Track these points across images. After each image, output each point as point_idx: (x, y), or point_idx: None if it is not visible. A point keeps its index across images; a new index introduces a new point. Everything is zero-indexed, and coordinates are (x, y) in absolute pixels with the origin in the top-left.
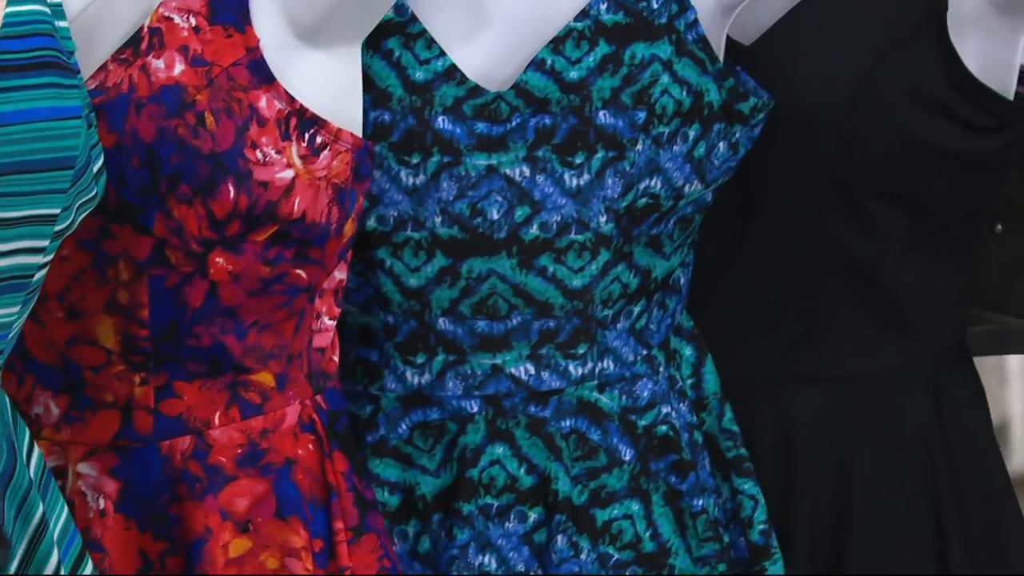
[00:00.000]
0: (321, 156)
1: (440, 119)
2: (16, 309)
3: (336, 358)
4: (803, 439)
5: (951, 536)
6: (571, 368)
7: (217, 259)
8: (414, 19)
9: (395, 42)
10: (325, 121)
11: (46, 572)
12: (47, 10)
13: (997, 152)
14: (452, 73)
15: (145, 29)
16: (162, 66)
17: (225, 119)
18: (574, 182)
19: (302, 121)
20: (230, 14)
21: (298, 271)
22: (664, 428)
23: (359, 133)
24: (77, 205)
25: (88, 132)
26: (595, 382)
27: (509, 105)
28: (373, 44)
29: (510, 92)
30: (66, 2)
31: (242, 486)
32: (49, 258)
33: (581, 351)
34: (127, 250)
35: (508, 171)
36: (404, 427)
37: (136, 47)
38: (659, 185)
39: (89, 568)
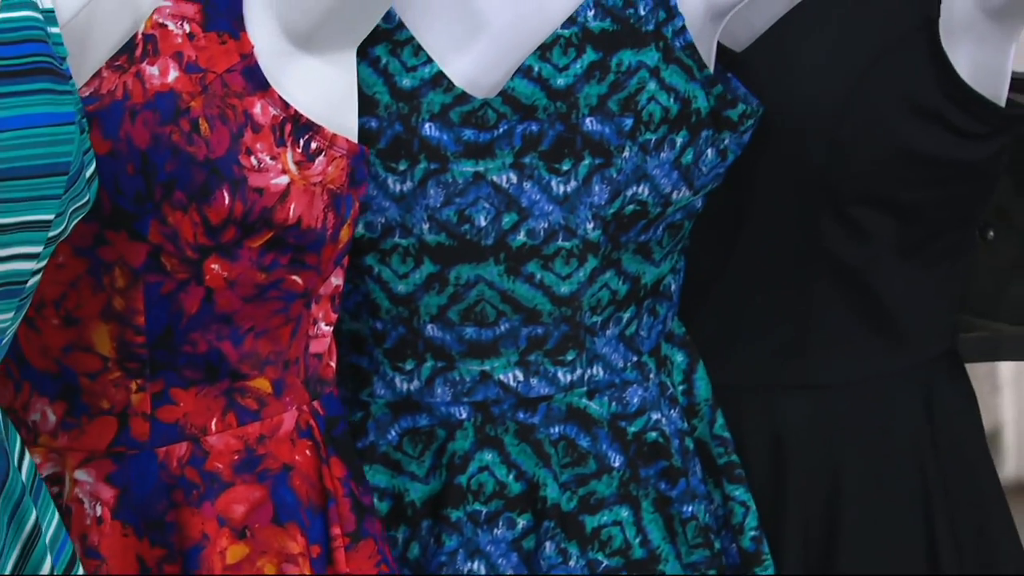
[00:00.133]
0: (316, 162)
1: (427, 126)
2: (10, 315)
3: (333, 364)
4: (794, 445)
5: (942, 542)
6: (560, 375)
7: (212, 265)
8: (401, 26)
9: (382, 49)
10: (320, 127)
11: None
12: (39, 16)
13: (988, 159)
14: (439, 80)
15: (139, 36)
16: (156, 73)
17: (219, 125)
18: (561, 189)
19: (297, 127)
20: (224, 20)
21: (294, 277)
22: (654, 435)
23: (354, 139)
24: (70, 211)
25: (81, 138)
26: (584, 389)
27: (496, 112)
28: (360, 51)
29: (497, 99)
30: (56, 8)
31: (239, 492)
32: (42, 264)
33: (570, 358)
34: (122, 257)
35: (495, 178)
36: (393, 433)
37: (130, 54)
38: (646, 192)
39: (80, 573)
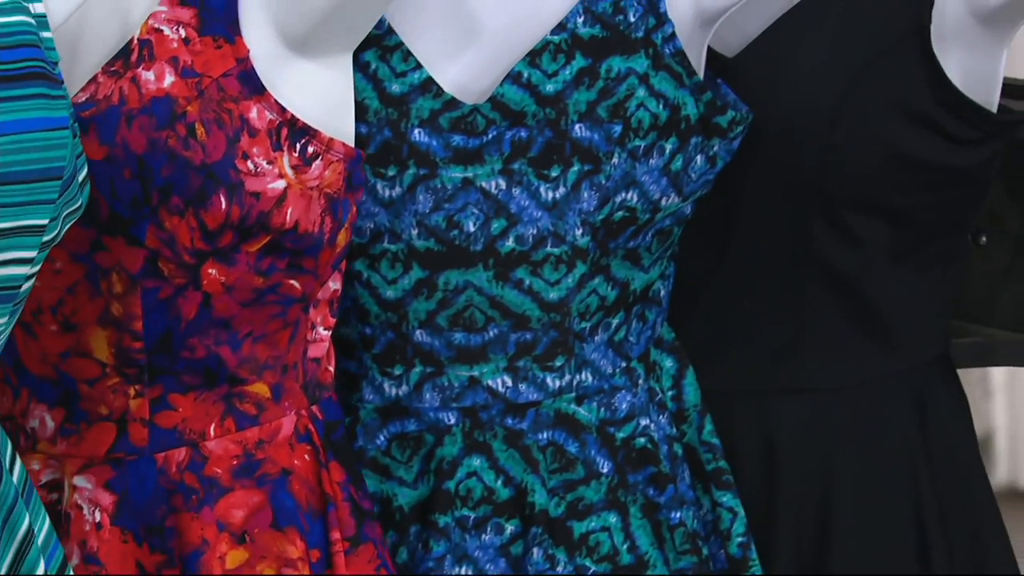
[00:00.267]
0: (313, 166)
1: (416, 132)
2: (4, 320)
3: (332, 368)
4: (786, 450)
5: (934, 546)
6: (548, 380)
7: (210, 270)
8: (391, 31)
9: (371, 54)
10: (317, 131)
11: None
12: (32, 21)
13: (980, 165)
14: (428, 86)
15: (135, 41)
16: (152, 78)
17: (216, 130)
18: (550, 195)
19: (293, 131)
20: (220, 25)
21: (291, 281)
22: (642, 440)
23: (351, 143)
24: (63, 216)
25: (74, 142)
26: (573, 394)
27: (485, 118)
28: None
29: (486, 105)
30: (48, 13)
31: (238, 497)
32: (36, 269)
33: (558, 363)
34: (120, 262)
35: (484, 184)
36: (382, 438)
37: (126, 59)
38: (635, 198)
39: (70, 574)
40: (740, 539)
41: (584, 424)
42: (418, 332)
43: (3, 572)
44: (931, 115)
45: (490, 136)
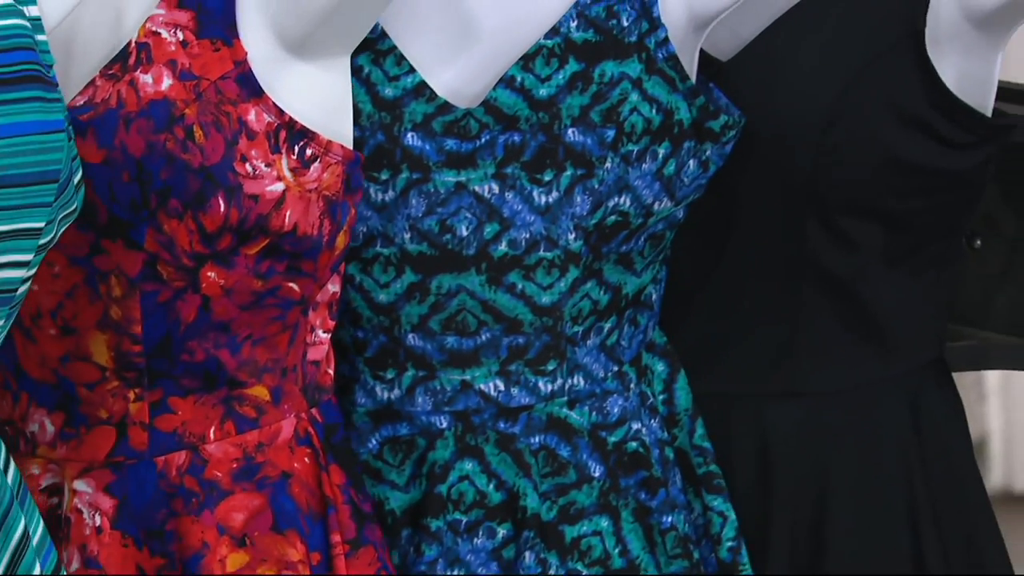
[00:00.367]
0: (311, 168)
1: (409, 136)
2: (1, 323)
3: (331, 371)
4: (781, 453)
5: (928, 551)
6: (540, 384)
7: (209, 273)
8: (384, 35)
9: (364, 58)
10: (315, 133)
11: None
12: (27, 24)
13: (975, 168)
14: (421, 90)
15: (133, 44)
16: (150, 81)
17: (214, 133)
18: (543, 199)
19: (292, 134)
20: (217, 28)
21: (290, 284)
22: (634, 444)
23: (349, 145)
24: (59, 218)
25: (69, 144)
26: (565, 398)
27: (478, 122)
28: None
29: (479, 109)
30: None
31: (238, 500)
32: (32, 272)
33: (551, 367)
34: (119, 266)
35: (477, 188)
36: (374, 442)
37: (124, 62)
38: (628, 203)
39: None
40: (730, 543)
41: (576, 428)
42: (410, 336)
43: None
44: (925, 118)
45: (483, 140)
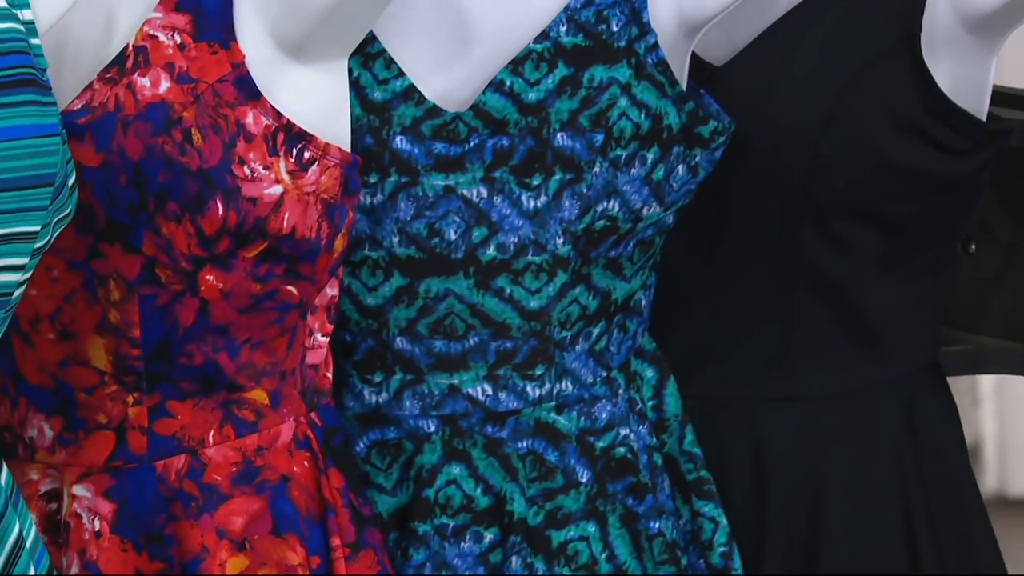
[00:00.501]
0: (309, 171)
1: (398, 139)
2: None
3: (330, 375)
4: (775, 457)
5: (924, 554)
6: (529, 389)
7: (207, 277)
8: (373, 39)
9: (354, 62)
10: (313, 136)
11: None
12: (21, 28)
13: (971, 173)
14: (410, 93)
15: (130, 48)
16: (148, 84)
17: (212, 135)
18: (531, 204)
19: (289, 136)
20: (215, 31)
21: (289, 287)
22: (622, 450)
23: (347, 148)
24: (54, 222)
25: (63, 148)
26: (553, 403)
27: (467, 126)
28: None
29: (468, 113)
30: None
31: (238, 504)
32: (28, 275)
33: (539, 372)
34: (117, 270)
35: (465, 192)
36: (361, 445)
37: (121, 66)
38: (617, 208)
39: None
40: (722, 548)
41: (564, 433)
42: (398, 339)
43: None
44: (921, 123)
45: (472, 144)
